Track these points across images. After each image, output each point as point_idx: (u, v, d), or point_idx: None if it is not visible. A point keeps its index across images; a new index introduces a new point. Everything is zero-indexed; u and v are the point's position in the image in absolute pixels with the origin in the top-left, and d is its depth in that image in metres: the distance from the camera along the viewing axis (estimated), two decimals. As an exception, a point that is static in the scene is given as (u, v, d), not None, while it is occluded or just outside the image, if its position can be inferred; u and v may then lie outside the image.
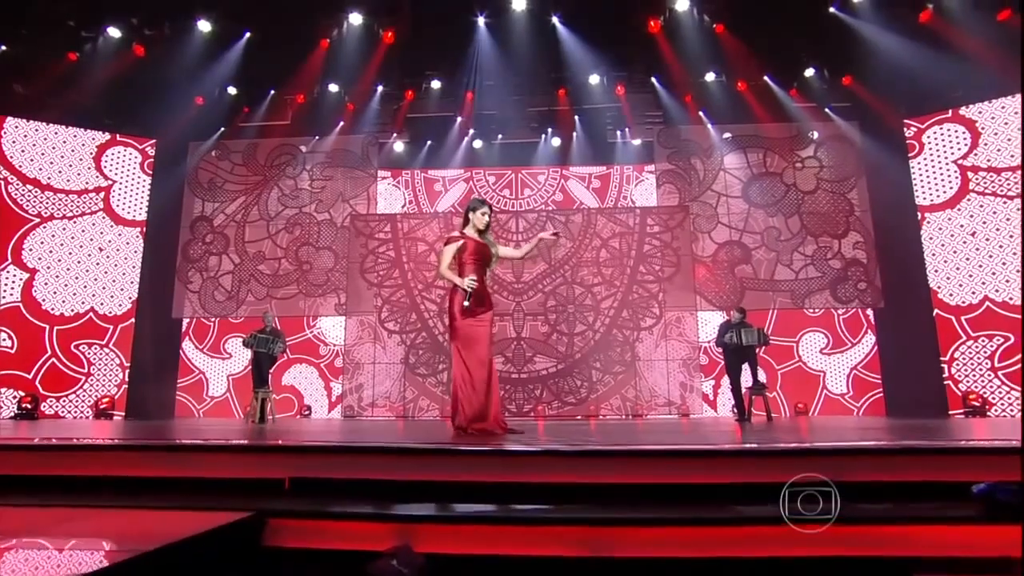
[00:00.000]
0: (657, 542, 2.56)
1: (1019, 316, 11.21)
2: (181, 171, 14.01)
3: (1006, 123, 11.71)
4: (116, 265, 12.91)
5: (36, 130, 12.79)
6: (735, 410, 10.10)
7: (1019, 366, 11.16)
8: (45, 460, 3.57)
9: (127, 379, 12.46)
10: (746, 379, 9.92)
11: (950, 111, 12.22)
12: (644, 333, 13.23)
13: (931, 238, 12.10)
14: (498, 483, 3.12)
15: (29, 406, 11.57)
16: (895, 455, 3.21)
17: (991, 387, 11.35)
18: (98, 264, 12.79)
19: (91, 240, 12.82)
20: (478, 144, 14.22)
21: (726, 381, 12.85)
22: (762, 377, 10.43)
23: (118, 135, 13.27)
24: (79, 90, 12.06)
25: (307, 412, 13.51)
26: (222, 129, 13.88)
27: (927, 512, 2.66)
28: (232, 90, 12.95)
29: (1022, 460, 2.82)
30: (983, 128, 11.92)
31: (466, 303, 5.07)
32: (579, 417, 12.54)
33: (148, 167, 13.45)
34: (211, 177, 14.19)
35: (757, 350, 10.01)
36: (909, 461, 3.09)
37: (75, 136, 12.99)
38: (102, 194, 13.03)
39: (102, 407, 11.92)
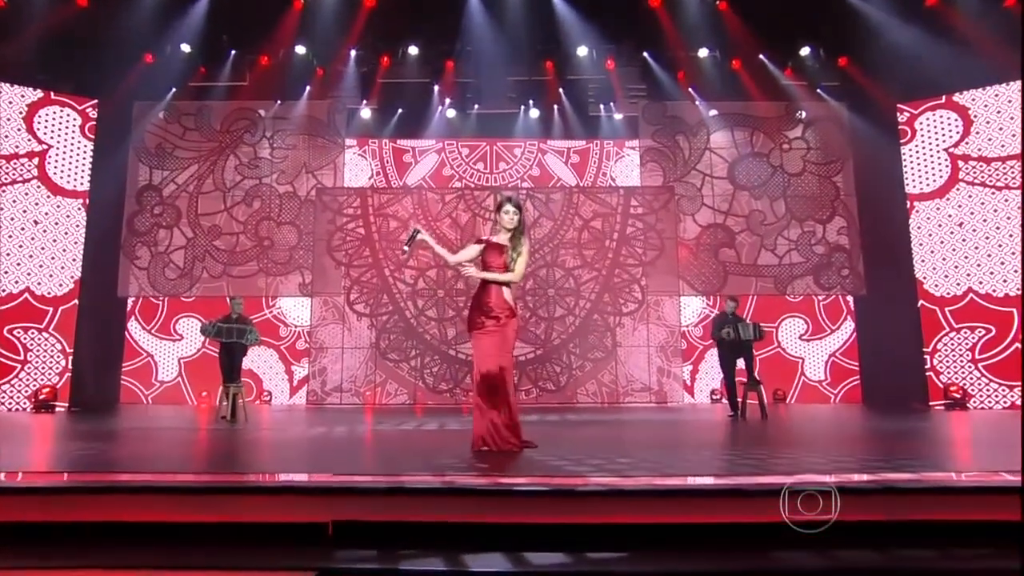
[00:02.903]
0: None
1: (1001, 308, 11.20)
2: (127, 136, 12.69)
3: (999, 111, 11.51)
4: (55, 240, 11.49)
5: (-48, 84, 11.25)
6: (715, 399, 9.75)
7: (1000, 358, 11.18)
8: (46, 505, 2.93)
9: (70, 367, 11.25)
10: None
11: (943, 97, 11.94)
12: (624, 318, 12.81)
13: (919, 227, 11.91)
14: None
15: (-43, 398, 10.38)
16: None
17: (971, 379, 11.36)
18: (33, 239, 11.39)
19: (24, 212, 11.39)
20: (452, 114, 13.35)
21: (704, 367, 12.72)
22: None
23: (53, 93, 11.74)
24: (7, 42, 10.56)
25: (267, 398, 12.72)
26: (173, 90, 12.59)
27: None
28: (186, 47, 11.65)
29: (1022, 497, 2.56)
30: (976, 116, 11.68)
31: (405, 247, 4.90)
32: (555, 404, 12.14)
33: (89, 131, 11.94)
34: (160, 142, 12.93)
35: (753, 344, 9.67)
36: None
37: (1, 93, 11.47)
38: (36, 160, 11.52)
39: (42, 398, 10.77)
